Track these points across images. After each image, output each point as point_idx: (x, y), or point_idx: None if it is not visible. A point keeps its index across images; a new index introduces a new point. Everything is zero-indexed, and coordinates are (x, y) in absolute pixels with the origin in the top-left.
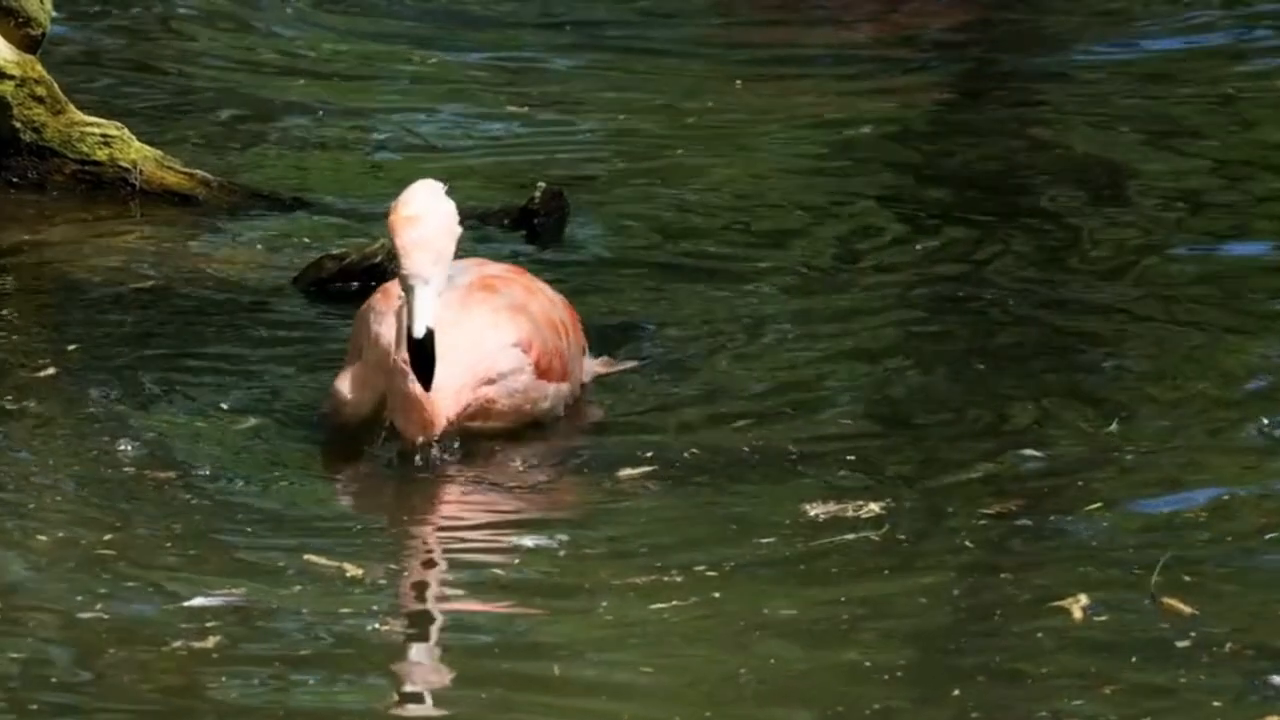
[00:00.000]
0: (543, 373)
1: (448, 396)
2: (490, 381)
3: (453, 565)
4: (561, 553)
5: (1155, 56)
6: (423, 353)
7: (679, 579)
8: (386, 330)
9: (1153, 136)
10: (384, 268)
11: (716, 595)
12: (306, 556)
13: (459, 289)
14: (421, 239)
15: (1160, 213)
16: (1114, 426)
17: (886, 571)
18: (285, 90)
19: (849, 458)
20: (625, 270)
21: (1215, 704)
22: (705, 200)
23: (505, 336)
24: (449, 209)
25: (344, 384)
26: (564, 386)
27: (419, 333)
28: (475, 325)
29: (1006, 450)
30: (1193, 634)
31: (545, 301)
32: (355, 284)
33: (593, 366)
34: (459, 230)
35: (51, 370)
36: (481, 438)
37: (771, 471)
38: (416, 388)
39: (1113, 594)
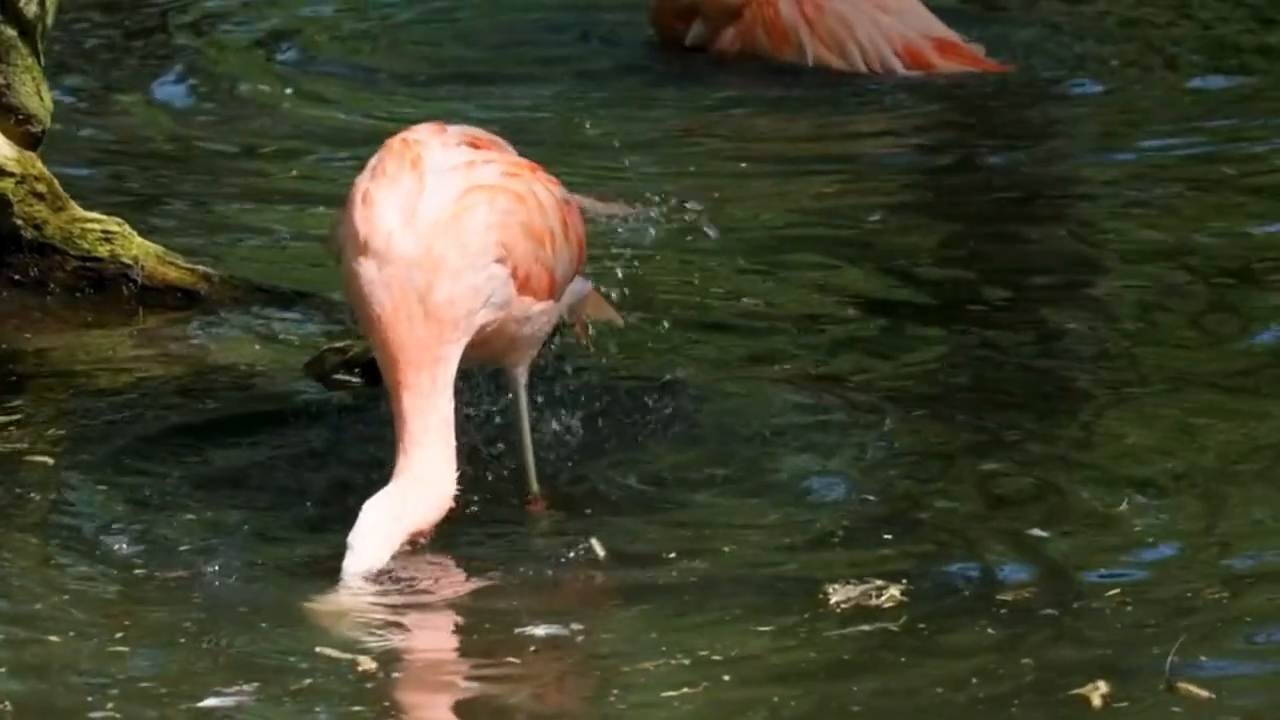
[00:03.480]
0: (522, 287)
1: (448, 480)
2: (479, 307)
3: (466, 656)
4: (577, 640)
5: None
6: None
7: (687, 663)
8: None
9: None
10: None
11: (726, 679)
12: (318, 650)
13: (443, 194)
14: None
15: (1160, 277)
16: (1125, 505)
17: (903, 659)
18: (282, 180)
19: (864, 541)
20: (630, 331)
21: None
22: (716, 260)
23: (485, 256)
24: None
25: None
26: (548, 309)
27: None
28: (457, 254)
29: (1020, 532)
30: None
31: (536, 207)
32: (358, 375)
33: (583, 289)
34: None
35: (54, 468)
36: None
37: (785, 555)
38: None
39: (1131, 680)
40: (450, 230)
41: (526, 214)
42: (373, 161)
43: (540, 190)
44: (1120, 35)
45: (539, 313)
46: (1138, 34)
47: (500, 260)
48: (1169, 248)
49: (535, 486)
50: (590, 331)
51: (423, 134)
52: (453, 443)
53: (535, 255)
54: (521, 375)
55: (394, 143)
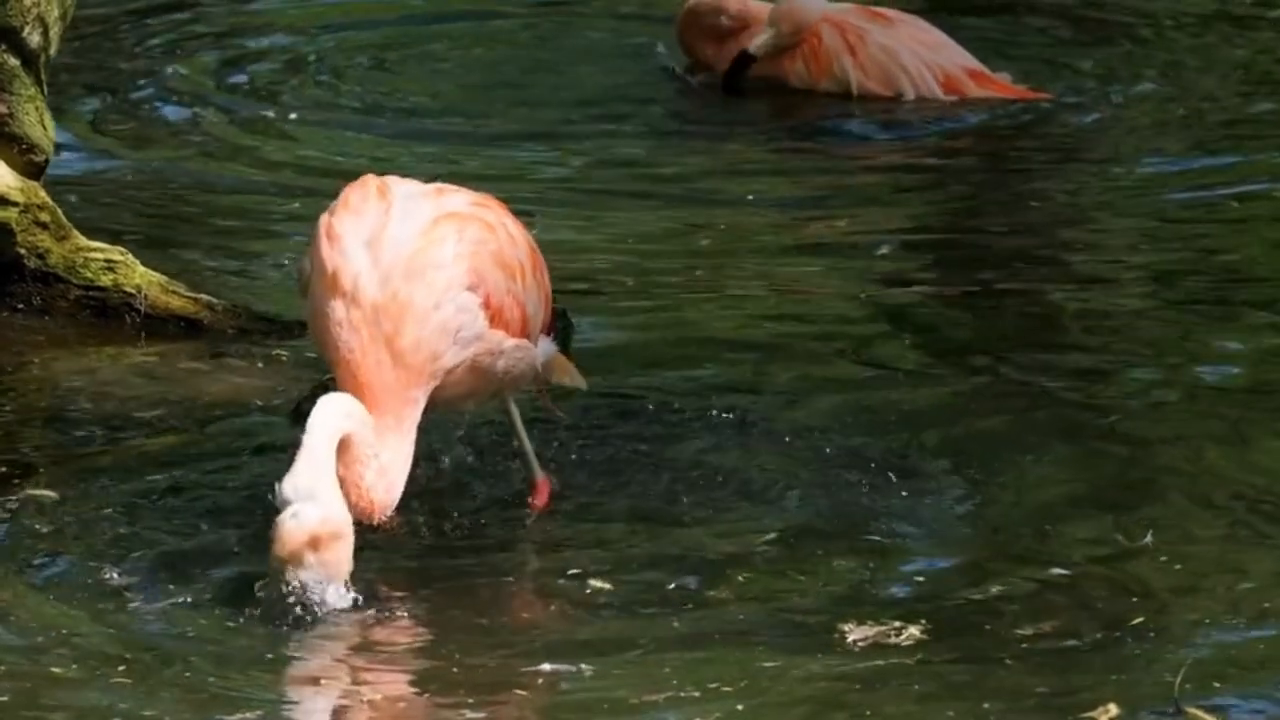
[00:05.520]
0: (494, 320)
1: (397, 484)
2: (447, 347)
3: (474, 689)
4: (585, 675)
5: None
6: None
7: (697, 695)
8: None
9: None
10: None
11: (740, 708)
12: (323, 681)
13: (411, 224)
14: (297, 566)
15: (1179, 299)
16: (1149, 539)
17: (917, 686)
18: (285, 211)
19: (880, 575)
20: (632, 397)
21: None
22: (716, 319)
23: (455, 287)
24: (322, 518)
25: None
26: (523, 345)
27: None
28: (424, 294)
29: (1036, 564)
30: None
31: (506, 238)
32: None
33: (550, 349)
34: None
35: (53, 497)
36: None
37: (800, 588)
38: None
39: (1142, 704)
40: (416, 268)
41: (497, 243)
42: (340, 196)
43: (510, 224)
44: (1168, 59)
45: (513, 347)
46: (1189, 59)
47: (472, 288)
48: (1202, 270)
49: (539, 474)
50: (551, 400)
51: (391, 176)
52: (404, 476)
53: (507, 288)
54: (510, 398)
55: (365, 178)
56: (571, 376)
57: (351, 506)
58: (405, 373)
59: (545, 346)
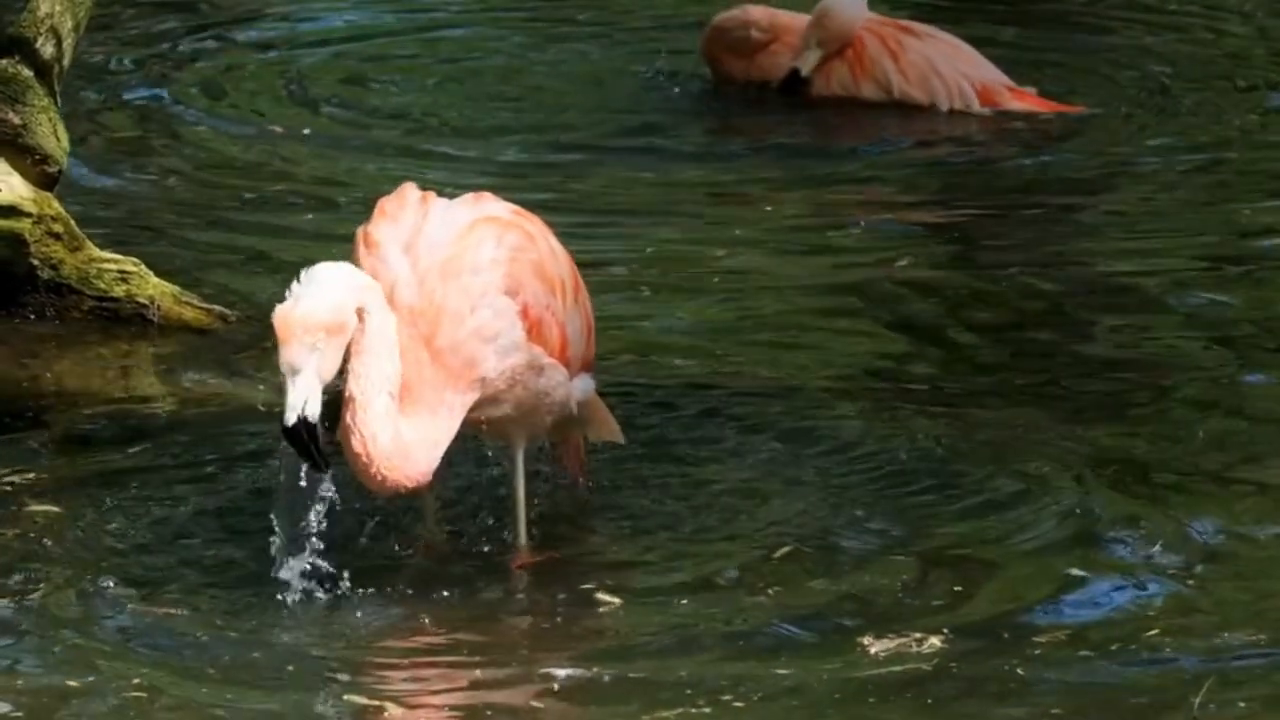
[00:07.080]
0: (532, 332)
1: (414, 459)
2: (484, 355)
3: (490, 699)
4: (603, 681)
5: None
6: (296, 440)
7: (709, 710)
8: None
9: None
10: None
11: None
12: (345, 697)
13: (448, 228)
14: (300, 328)
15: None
16: (1156, 549)
17: (929, 701)
18: (299, 221)
19: (900, 588)
20: (644, 403)
21: None
22: (730, 328)
23: (490, 292)
24: (337, 300)
25: None
26: (560, 369)
27: (288, 422)
28: (458, 298)
29: (1057, 573)
30: None
31: (547, 251)
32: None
33: (590, 387)
34: (351, 322)
35: (60, 506)
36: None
37: (819, 602)
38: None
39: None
40: (452, 270)
41: (538, 254)
42: (376, 206)
43: (552, 240)
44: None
45: (551, 366)
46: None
47: (509, 293)
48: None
49: (523, 543)
50: (584, 462)
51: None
52: (425, 457)
53: (546, 302)
54: (520, 446)
55: (404, 187)
56: (609, 428)
57: (352, 432)
58: (443, 373)
59: (584, 384)
